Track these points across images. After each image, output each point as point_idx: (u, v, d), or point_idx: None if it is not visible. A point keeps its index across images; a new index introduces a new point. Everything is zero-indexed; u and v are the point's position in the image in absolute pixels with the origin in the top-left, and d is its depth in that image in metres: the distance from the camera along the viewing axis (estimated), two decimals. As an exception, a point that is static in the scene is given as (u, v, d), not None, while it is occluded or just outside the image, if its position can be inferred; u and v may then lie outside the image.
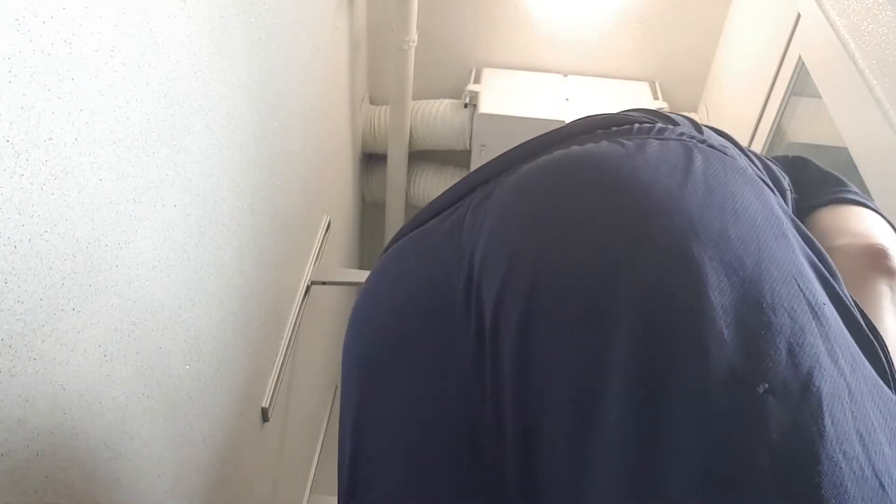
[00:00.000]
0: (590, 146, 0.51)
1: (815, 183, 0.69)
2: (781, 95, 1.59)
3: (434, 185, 2.31)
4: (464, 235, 0.51)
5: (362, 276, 2.11)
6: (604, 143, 0.51)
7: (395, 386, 0.52)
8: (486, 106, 2.03)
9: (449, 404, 0.47)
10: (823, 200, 0.66)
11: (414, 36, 1.88)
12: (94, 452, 0.76)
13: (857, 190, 0.69)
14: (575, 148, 0.52)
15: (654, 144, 0.49)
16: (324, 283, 1.73)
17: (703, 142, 0.51)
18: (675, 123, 0.54)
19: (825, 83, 1.34)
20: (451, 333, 0.48)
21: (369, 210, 2.49)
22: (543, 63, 2.17)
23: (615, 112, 0.58)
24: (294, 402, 1.75)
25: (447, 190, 0.60)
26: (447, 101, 2.15)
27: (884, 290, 0.54)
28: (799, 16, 1.49)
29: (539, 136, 0.58)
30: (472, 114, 2.07)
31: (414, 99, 2.09)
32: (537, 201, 0.48)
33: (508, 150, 0.58)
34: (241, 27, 1.06)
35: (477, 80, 2.13)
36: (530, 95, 2.09)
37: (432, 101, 2.16)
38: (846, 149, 1.21)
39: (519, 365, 0.43)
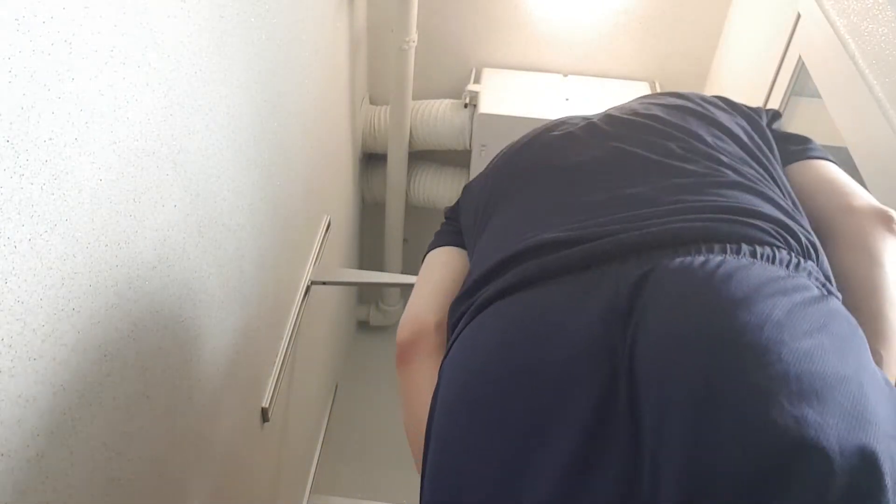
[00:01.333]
0: (744, 270, 0.56)
1: (780, 137, 0.83)
2: (781, 95, 1.59)
3: (434, 185, 2.31)
4: (625, 336, 0.55)
5: (362, 276, 2.10)
6: (757, 269, 0.56)
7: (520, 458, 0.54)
8: (486, 106, 2.03)
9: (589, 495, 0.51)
10: (801, 156, 0.81)
11: (414, 36, 1.88)
12: (94, 452, 0.76)
13: (820, 146, 0.82)
14: (731, 264, 0.56)
15: (801, 298, 0.55)
16: (324, 283, 1.73)
17: (824, 285, 0.60)
18: (803, 251, 0.61)
19: (825, 83, 1.34)
20: (606, 423, 0.52)
21: (369, 210, 2.49)
22: (543, 63, 2.17)
23: (745, 214, 0.62)
24: (294, 402, 1.75)
25: (564, 244, 0.63)
26: (447, 101, 2.15)
27: (892, 247, 0.70)
28: (799, 16, 1.49)
29: (676, 221, 0.61)
30: (472, 114, 2.07)
31: (414, 99, 2.09)
32: (697, 338, 0.52)
33: (637, 223, 0.62)
34: (241, 27, 1.06)
35: (477, 80, 2.13)
36: (530, 95, 2.09)
37: (432, 101, 2.16)
38: (846, 149, 1.20)
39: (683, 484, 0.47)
